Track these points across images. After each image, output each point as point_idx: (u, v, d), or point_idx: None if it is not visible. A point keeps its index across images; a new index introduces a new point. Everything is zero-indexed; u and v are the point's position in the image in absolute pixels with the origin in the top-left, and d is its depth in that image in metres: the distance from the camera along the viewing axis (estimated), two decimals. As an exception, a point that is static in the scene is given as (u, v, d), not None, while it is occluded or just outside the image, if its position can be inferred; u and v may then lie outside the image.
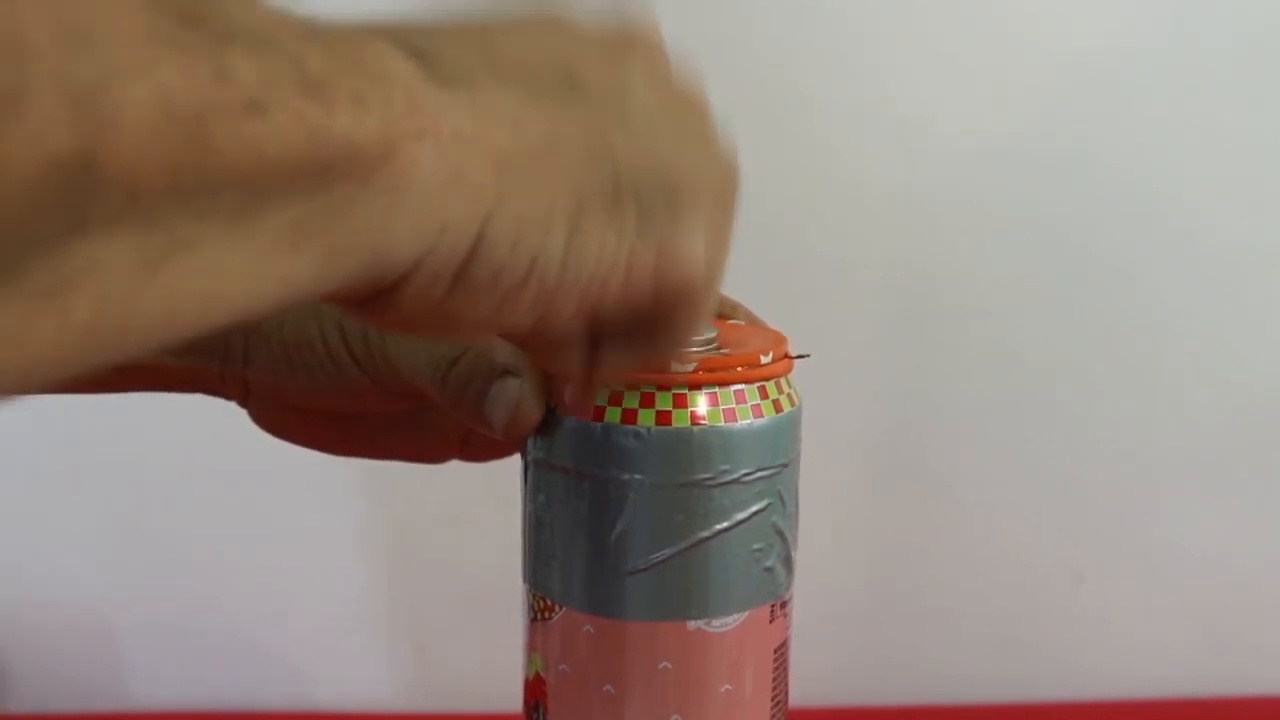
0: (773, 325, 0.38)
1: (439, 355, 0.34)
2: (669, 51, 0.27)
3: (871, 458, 0.78)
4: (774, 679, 0.34)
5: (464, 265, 0.22)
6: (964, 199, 0.75)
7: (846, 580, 0.80)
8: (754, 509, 0.32)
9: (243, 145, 0.17)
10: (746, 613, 0.33)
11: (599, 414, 0.32)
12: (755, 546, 0.33)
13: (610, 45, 0.26)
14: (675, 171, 0.25)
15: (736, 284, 0.39)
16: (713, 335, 0.34)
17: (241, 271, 0.18)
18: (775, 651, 0.34)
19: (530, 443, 0.34)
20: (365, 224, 0.20)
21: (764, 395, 0.33)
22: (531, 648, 0.35)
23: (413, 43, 0.21)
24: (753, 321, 0.38)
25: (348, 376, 0.35)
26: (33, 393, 0.17)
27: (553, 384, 0.33)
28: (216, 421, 0.75)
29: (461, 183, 0.21)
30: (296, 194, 0.19)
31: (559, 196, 0.23)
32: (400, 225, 0.20)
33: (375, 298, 0.22)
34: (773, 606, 0.34)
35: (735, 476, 0.32)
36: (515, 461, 0.36)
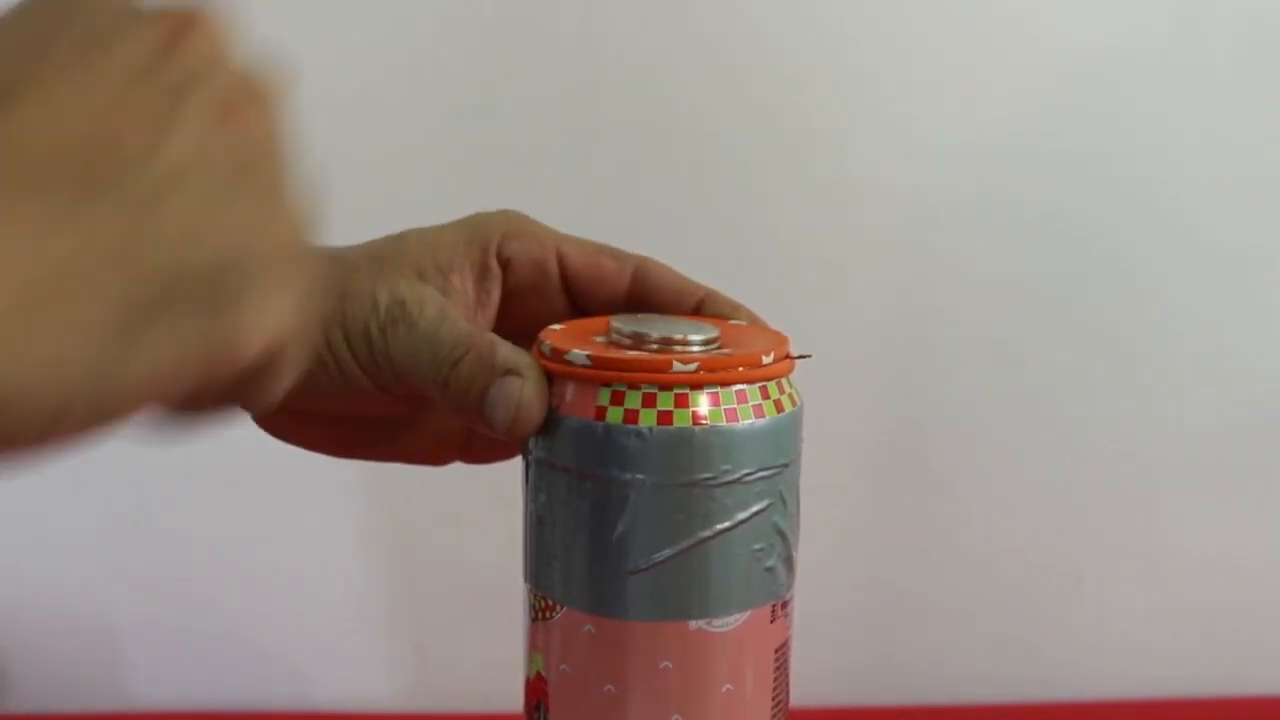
0: (774, 325, 0.38)
1: (441, 357, 0.34)
2: (227, 45, 0.24)
3: (871, 458, 0.78)
4: (775, 679, 0.34)
5: None
6: (964, 199, 0.75)
7: (847, 580, 0.80)
8: (755, 509, 0.32)
9: None
10: (748, 612, 0.33)
11: (601, 414, 0.32)
12: (756, 546, 0.33)
13: (157, 71, 0.23)
14: (226, 251, 0.23)
15: (737, 284, 0.39)
16: (715, 335, 0.34)
17: None
18: (776, 651, 0.34)
19: (532, 443, 0.34)
20: None
21: (765, 395, 0.33)
22: (532, 647, 0.35)
23: None
24: (754, 322, 0.38)
25: (350, 379, 0.36)
26: None
27: (554, 383, 0.33)
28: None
29: None
30: None
31: (94, 324, 0.20)
32: None
33: None
34: (774, 606, 0.34)
35: (737, 476, 0.32)
36: (516, 462, 0.36)
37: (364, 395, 0.36)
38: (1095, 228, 0.75)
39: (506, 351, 0.34)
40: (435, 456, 0.42)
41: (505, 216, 0.39)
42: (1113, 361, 0.77)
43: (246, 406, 0.27)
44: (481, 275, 0.38)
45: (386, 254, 0.37)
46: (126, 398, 0.21)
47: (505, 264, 0.38)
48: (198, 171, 0.22)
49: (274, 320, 0.23)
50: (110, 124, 0.21)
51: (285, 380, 0.26)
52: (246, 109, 0.24)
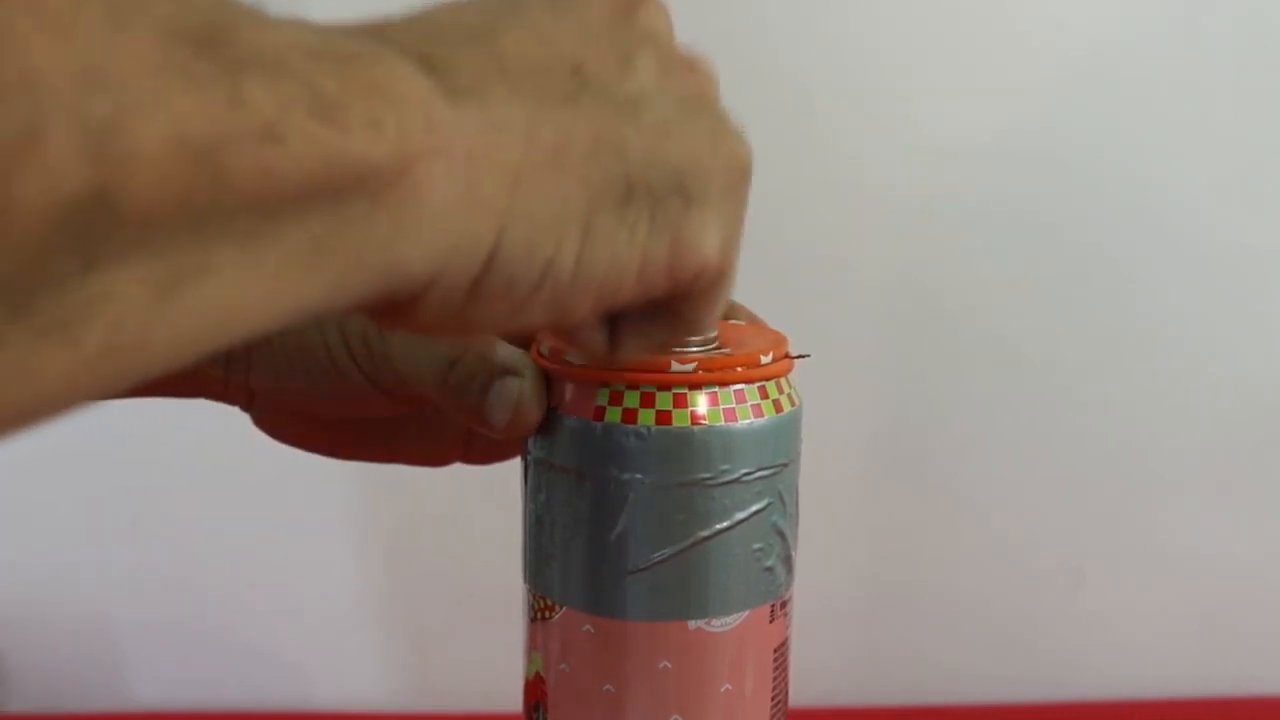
0: (773, 326, 0.37)
1: (440, 357, 0.34)
2: (672, 27, 0.28)
3: (871, 458, 0.78)
4: (774, 678, 0.34)
5: (479, 278, 0.22)
6: (963, 198, 0.75)
7: (848, 579, 0.80)
8: (754, 509, 0.32)
9: (258, 173, 0.18)
10: (747, 612, 0.33)
11: (599, 414, 0.32)
12: (755, 546, 0.33)
13: (616, 28, 0.26)
14: (686, 163, 0.25)
15: (737, 284, 0.39)
16: (713, 335, 0.33)
17: (255, 293, 0.19)
18: (775, 651, 0.34)
19: (531, 442, 0.34)
20: (379, 243, 0.20)
21: (764, 395, 0.33)
22: (532, 647, 0.35)
23: (424, 51, 0.21)
24: (753, 321, 0.38)
25: (349, 380, 0.35)
26: (44, 423, 0.17)
27: (553, 383, 0.33)
28: (217, 421, 0.75)
29: (475, 199, 0.21)
30: (310, 215, 0.19)
31: (571, 202, 0.23)
32: (413, 243, 0.21)
33: (391, 309, 0.22)
34: (773, 606, 0.34)
35: (735, 476, 0.32)
36: (515, 462, 0.36)
37: (364, 396, 0.36)
38: (1096, 228, 0.75)
39: (505, 351, 0.34)
40: (435, 458, 0.42)
41: None
42: (1114, 360, 0.77)
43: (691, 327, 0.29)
44: None
45: None
46: (591, 279, 0.24)
47: None
48: (656, 100, 0.25)
49: (724, 229, 0.26)
50: (585, 53, 0.24)
51: (717, 308, 0.28)
52: (687, 71, 0.27)
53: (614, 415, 0.32)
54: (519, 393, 0.33)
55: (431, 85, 0.21)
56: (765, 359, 0.33)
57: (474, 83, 0.22)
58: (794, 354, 0.35)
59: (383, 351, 0.35)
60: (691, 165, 0.25)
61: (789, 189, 0.73)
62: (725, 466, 0.32)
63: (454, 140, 0.21)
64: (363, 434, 0.40)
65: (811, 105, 0.73)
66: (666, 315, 0.28)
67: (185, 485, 0.78)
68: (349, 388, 0.36)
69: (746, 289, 0.38)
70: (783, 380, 0.34)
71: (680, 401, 0.32)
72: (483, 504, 0.67)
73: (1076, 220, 0.75)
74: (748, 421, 0.32)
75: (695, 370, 0.32)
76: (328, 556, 0.80)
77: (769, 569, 0.33)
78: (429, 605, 0.81)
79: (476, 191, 0.21)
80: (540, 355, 0.34)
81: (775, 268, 0.73)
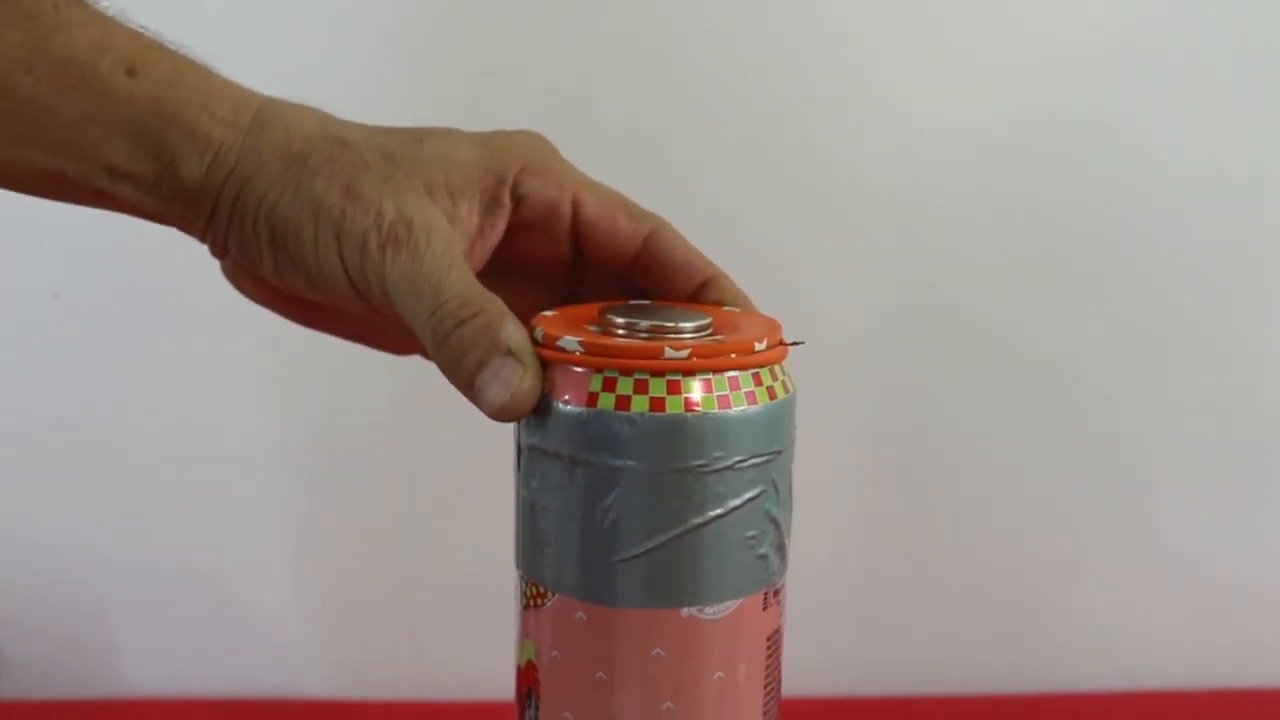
0: (767, 313, 0.37)
1: (444, 311, 0.33)
2: None
3: (867, 451, 0.78)
4: (767, 666, 0.34)
5: None
6: (958, 192, 0.75)
7: (843, 573, 0.80)
8: (747, 496, 0.32)
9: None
10: (740, 600, 0.33)
11: (593, 400, 0.32)
12: (749, 533, 0.32)
13: None
14: None
15: (737, 278, 0.38)
16: (707, 322, 0.33)
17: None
18: (768, 639, 0.34)
19: (523, 427, 0.34)
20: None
21: (758, 382, 0.32)
22: (524, 634, 0.35)
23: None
24: (747, 308, 0.38)
25: (330, 278, 0.35)
26: None
27: (546, 370, 0.33)
28: (213, 407, 0.75)
29: None
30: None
31: None
32: None
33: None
34: (766, 594, 0.34)
35: (729, 463, 0.32)
36: (508, 448, 0.35)
37: (341, 296, 0.35)
38: (1093, 221, 0.75)
39: (512, 330, 0.33)
40: (401, 346, 0.41)
41: (530, 144, 0.38)
42: (1112, 355, 0.77)
43: None
44: (491, 206, 0.37)
45: (400, 156, 0.35)
46: None
47: (518, 200, 0.37)
48: None
49: None
50: None
51: None
52: None
53: (607, 402, 0.31)
54: (519, 378, 0.32)
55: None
56: (759, 345, 0.33)
57: None
58: (788, 341, 0.34)
59: (377, 269, 0.34)
60: None
61: (787, 183, 0.73)
62: (719, 453, 0.31)
63: None
64: (332, 312, 0.39)
65: (809, 98, 0.73)
66: None
67: (180, 471, 0.77)
68: (328, 283, 0.35)
69: (745, 282, 0.38)
70: (777, 367, 0.34)
71: (674, 388, 0.31)
72: (475, 489, 0.67)
73: (1073, 213, 0.75)
74: (742, 408, 0.32)
75: (689, 357, 0.31)
76: (320, 544, 0.79)
77: (762, 556, 0.33)
78: (421, 592, 0.81)
79: None
80: (534, 341, 0.33)
81: (772, 260, 0.73)
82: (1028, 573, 0.81)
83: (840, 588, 0.80)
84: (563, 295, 0.40)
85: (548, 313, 0.35)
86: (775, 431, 0.33)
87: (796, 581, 0.36)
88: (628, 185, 0.38)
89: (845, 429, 0.77)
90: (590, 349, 0.32)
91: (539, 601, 0.34)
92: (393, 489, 0.79)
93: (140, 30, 0.35)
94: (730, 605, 0.33)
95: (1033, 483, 0.79)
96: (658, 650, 0.32)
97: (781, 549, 0.34)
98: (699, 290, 0.38)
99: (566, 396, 0.32)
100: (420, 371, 0.38)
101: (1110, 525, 0.80)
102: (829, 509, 0.77)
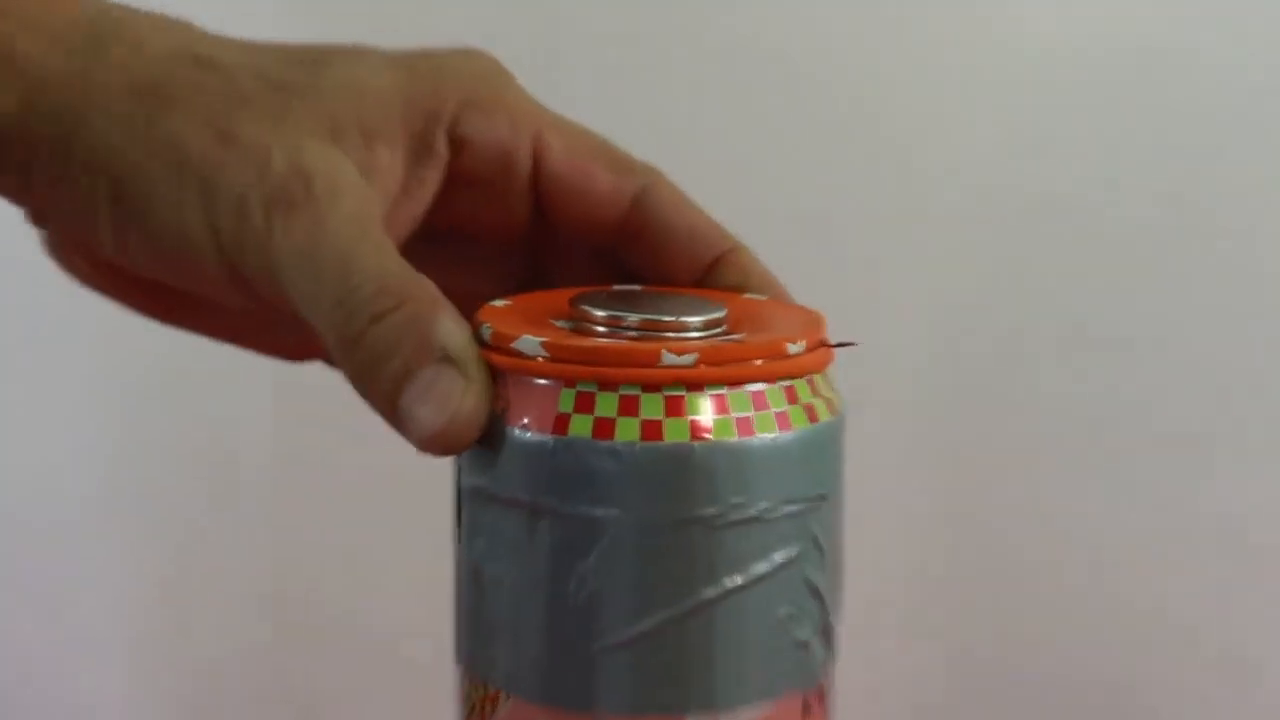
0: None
1: (355, 298, 0.27)
2: None
3: (938, 490, 0.72)
4: (809, 796, 0.29)
5: None
6: (1020, 192, 0.70)
7: (917, 661, 0.72)
8: (779, 559, 0.27)
9: None
10: (770, 703, 0.27)
11: (562, 425, 0.26)
12: (781, 611, 0.27)
13: None
14: None
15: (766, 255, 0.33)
16: (720, 315, 0.28)
17: None
18: (810, 758, 0.30)
19: (465, 464, 0.28)
20: None
21: (792, 399, 0.27)
22: (470, 752, 0.30)
23: None
24: (779, 298, 0.32)
25: (194, 252, 0.28)
26: None
27: (498, 381, 0.27)
28: (29, 437, 0.70)
29: None
30: None
31: None
32: None
33: None
34: (806, 695, 0.28)
35: (753, 513, 0.26)
36: (445, 492, 0.29)
37: (210, 278, 0.29)
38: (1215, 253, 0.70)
39: (450, 327, 0.26)
40: (293, 349, 0.35)
41: (473, 69, 0.32)
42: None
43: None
44: (419, 153, 0.31)
45: (293, 85, 0.29)
46: None
47: (458, 145, 0.31)
48: None
49: None
50: None
51: None
52: None
53: (582, 427, 0.26)
54: (460, 392, 0.26)
55: None
56: (794, 347, 0.27)
57: None
58: (834, 342, 0.29)
59: (260, 239, 0.28)
60: None
61: (841, 129, 0.68)
62: (738, 499, 0.26)
63: None
64: (199, 305, 0.32)
65: (861, 101, 0.69)
66: None
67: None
68: (190, 260, 0.29)
69: (775, 260, 0.33)
70: (818, 378, 0.28)
71: (675, 407, 0.26)
72: (406, 537, 0.59)
73: (1129, 216, 0.70)
74: (770, 435, 0.27)
75: (696, 364, 0.26)
76: (179, 614, 0.73)
77: (801, 644, 0.28)
78: (320, 682, 0.73)
79: None
80: (480, 343, 0.28)
81: (815, 232, 0.67)
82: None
83: (913, 675, 0.72)
84: (520, 278, 0.35)
85: (499, 302, 0.30)
86: (817, 468, 0.28)
87: (849, 677, 0.29)
88: (612, 126, 0.32)
89: (911, 463, 0.70)
90: (558, 353, 0.26)
91: (487, 707, 0.28)
92: (280, 544, 0.71)
93: None
94: (757, 711, 0.27)
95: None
96: (654, 775, 0.27)
97: (827, 633, 0.29)
98: (710, 271, 0.32)
99: (525, 420, 0.27)
100: (319, 381, 0.33)
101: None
102: (894, 571, 0.69)
